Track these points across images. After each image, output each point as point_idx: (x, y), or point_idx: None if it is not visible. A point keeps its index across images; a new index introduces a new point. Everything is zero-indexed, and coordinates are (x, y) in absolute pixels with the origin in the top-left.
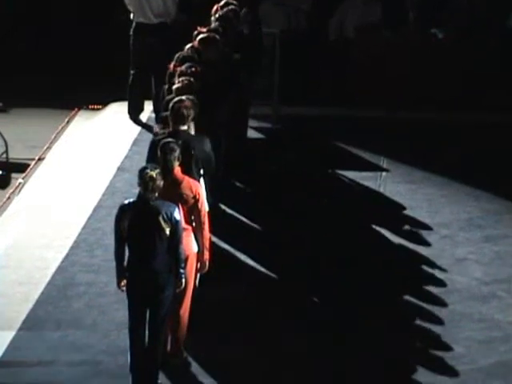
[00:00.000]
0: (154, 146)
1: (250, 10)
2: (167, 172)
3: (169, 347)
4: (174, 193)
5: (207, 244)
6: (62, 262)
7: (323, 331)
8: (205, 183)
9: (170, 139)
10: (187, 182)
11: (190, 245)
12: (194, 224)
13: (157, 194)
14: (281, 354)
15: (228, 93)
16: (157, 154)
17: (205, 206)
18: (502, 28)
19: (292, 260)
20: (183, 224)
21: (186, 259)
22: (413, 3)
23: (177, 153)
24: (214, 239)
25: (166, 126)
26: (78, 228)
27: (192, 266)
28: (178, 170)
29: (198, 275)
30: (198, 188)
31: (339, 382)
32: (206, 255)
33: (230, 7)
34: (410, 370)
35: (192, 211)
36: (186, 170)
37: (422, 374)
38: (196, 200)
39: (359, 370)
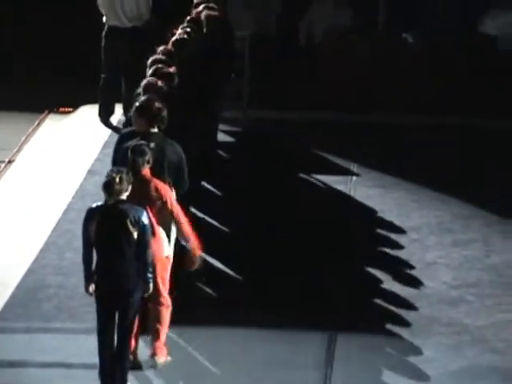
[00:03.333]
0: (118, 145)
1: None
2: (136, 174)
3: (150, 348)
4: (141, 195)
5: (194, 239)
6: (32, 264)
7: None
8: (176, 187)
9: (141, 141)
10: (154, 183)
11: (160, 249)
12: (162, 226)
13: (124, 198)
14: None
15: (201, 94)
16: (122, 151)
17: (175, 206)
18: (474, 34)
19: (261, 264)
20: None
21: (156, 264)
22: (383, 7)
23: (147, 156)
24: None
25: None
26: (48, 230)
27: (164, 269)
28: (146, 172)
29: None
30: (166, 189)
31: None
32: (197, 252)
33: (204, 11)
34: (379, 373)
35: (161, 213)
36: (159, 173)
37: (390, 377)
38: (164, 202)
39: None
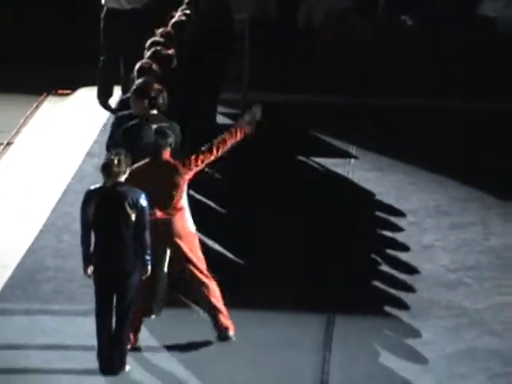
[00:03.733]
0: (114, 127)
1: None
2: (157, 156)
3: None
4: (163, 176)
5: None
6: (31, 246)
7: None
8: None
9: (164, 124)
10: (174, 164)
11: (185, 224)
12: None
13: (123, 180)
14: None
15: (200, 76)
16: (119, 131)
17: (202, 160)
18: (474, 17)
19: (260, 247)
20: (180, 204)
21: (186, 238)
22: None
23: (170, 138)
24: None
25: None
26: (47, 212)
27: (193, 246)
28: (166, 154)
29: None
30: (180, 167)
31: None
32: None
33: None
34: (377, 355)
35: (183, 194)
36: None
37: (388, 360)
38: (185, 175)
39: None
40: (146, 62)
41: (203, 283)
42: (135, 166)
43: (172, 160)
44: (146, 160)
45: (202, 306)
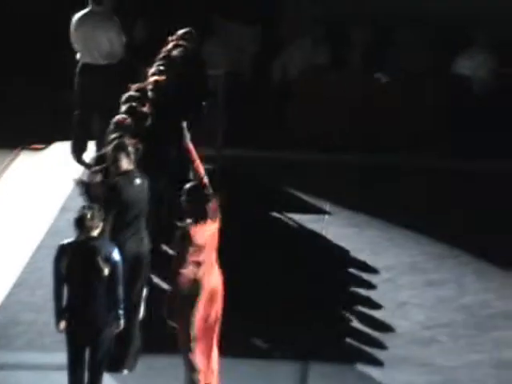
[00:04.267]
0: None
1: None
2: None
3: None
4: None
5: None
6: (4, 300)
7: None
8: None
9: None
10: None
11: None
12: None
13: (95, 234)
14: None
15: (174, 133)
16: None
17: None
18: (449, 74)
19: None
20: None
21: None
22: (357, 45)
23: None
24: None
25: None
26: (20, 267)
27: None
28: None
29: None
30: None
31: None
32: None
33: (177, 48)
34: None
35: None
36: None
37: None
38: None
39: None
40: (121, 116)
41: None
42: None
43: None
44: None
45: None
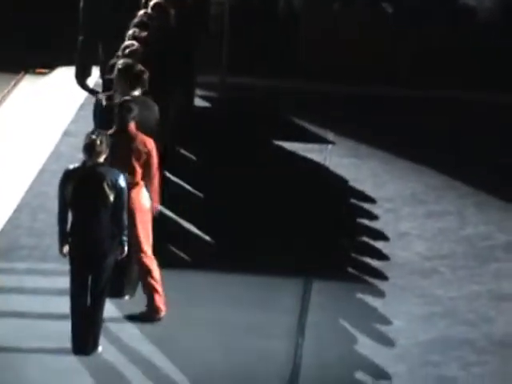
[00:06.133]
0: (98, 108)
1: None
2: (122, 128)
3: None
4: (128, 149)
5: (157, 198)
6: (5, 225)
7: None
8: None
9: (128, 98)
10: (141, 137)
11: (142, 199)
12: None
13: (102, 160)
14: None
15: (179, 59)
16: (102, 115)
17: (156, 163)
18: (453, 6)
19: (232, 230)
20: (136, 179)
21: (140, 213)
22: None
23: (134, 112)
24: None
25: (109, 90)
26: (22, 192)
27: (148, 219)
28: (132, 127)
29: None
30: (152, 144)
31: None
32: (157, 208)
33: None
34: (350, 341)
35: (145, 166)
36: None
37: (361, 346)
38: (149, 155)
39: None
40: (130, 42)
41: (143, 261)
42: None
43: (139, 133)
44: (110, 131)
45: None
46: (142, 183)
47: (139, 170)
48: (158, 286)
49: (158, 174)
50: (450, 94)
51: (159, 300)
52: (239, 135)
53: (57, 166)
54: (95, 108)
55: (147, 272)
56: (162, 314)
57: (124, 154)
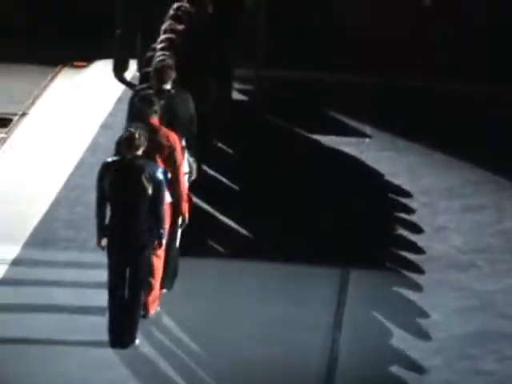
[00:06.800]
0: (133, 101)
1: None
2: (144, 122)
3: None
4: (151, 143)
5: (184, 195)
6: (43, 217)
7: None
8: (187, 144)
9: (149, 92)
10: (163, 132)
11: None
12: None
13: (140, 153)
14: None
15: (216, 52)
16: (129, 109)
17: (180, 157)
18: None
19: (270, 222)
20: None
21: None
22: None
23: (155, 106)
24: (196, 200)
25: (146, 82)
26: (60, 184)
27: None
28: (155, 120)
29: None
30: (175, 138)
31: None
32: (185, 207)
33: None
34: (387, 334)
35: (167, 161)
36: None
37: (398, 339)
38: (172, 150)
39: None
40: (168, 36)
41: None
42: None
43: (162, 127)
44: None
45: None
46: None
47: (162, 165)
48: (156, 284)
49: (182, 173)
50: (489, 88)
51: (152, 299)
52: (276, 129)
53: (94, 159)
54: (130, 102)
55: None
56: (151, 312)
57: (147, 147)
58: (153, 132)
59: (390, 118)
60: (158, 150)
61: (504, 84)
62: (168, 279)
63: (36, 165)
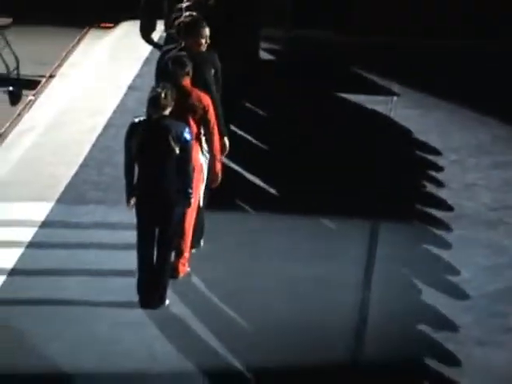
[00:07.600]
0: (161, 61)
1: None
2: (176, 84)
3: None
4: (183, 104)
5: (218, 155)
6: (72, 179)
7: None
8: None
9: (182, 53)
10: (196, 93)
11: (196, 156)
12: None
13: (167, 113)
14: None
15: (244, 10)
16: (163, 68)
17: (213, 117)
18: None
19: (298, 180)
20: (193, 135)
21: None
22: None
23: (187, 67)
24: (224, 159)
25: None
26: (88, 146)
27: (198, 177)
28: (187, 82)
29: (206, 192)
30: (207, 99)
31: None
32: (218, 167)
33: None
34: (417, 291)
35: (201, 122)
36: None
37: (428, 296)
38: (205, 111)
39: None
40: None
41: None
42: None
43: (194, 89)
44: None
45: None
46: (194, 140)
47: (194, 126)
48: (185, 251)
49: (217, 134)
50: None
51: (183, 259)
52: (304, 88)
53: (122, 121)
54: (158, 62)
55: (180, 234)
56: (181, 274)
57: (179, 109)
58: (185, 94)
59: (417, 76)
60: (191, 111)
61: None
62: (196, 238)
63: (64, 127)
